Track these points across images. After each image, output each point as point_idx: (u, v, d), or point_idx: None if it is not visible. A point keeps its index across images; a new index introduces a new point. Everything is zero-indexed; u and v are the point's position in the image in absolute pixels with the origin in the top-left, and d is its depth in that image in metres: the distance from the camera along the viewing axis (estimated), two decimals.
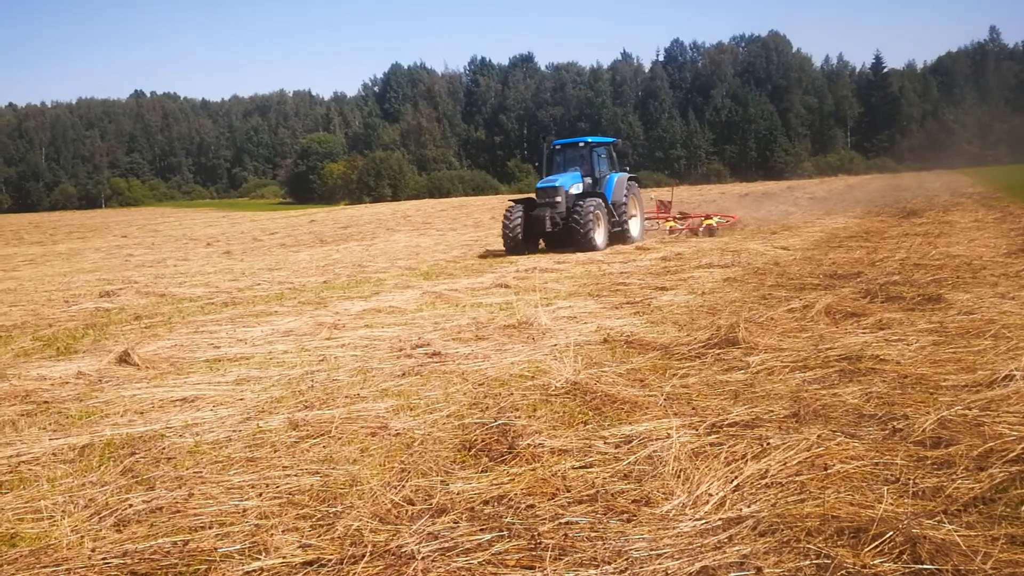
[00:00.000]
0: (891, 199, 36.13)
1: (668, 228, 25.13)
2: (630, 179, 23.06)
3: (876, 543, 3.68)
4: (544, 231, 20.73)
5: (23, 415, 6.89)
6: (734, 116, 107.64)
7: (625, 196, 21.97)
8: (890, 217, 25.30)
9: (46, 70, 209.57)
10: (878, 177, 73.55)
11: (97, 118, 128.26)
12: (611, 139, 23.96)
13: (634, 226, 22.90)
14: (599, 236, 20.57)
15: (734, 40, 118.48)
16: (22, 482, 5.25)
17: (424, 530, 4.12)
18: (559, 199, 20.80)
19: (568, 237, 20.47)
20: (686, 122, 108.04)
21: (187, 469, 5.27)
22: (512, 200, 22.48)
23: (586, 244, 20.01)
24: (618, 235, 21.80)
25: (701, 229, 23.82)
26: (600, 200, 20.77)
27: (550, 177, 21.66)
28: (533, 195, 21.85)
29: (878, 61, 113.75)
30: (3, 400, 7.37)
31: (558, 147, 22.96)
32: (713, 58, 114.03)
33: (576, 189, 21.50)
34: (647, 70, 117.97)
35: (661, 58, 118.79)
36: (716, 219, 24.87)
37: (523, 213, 21.11)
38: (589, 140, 22.70)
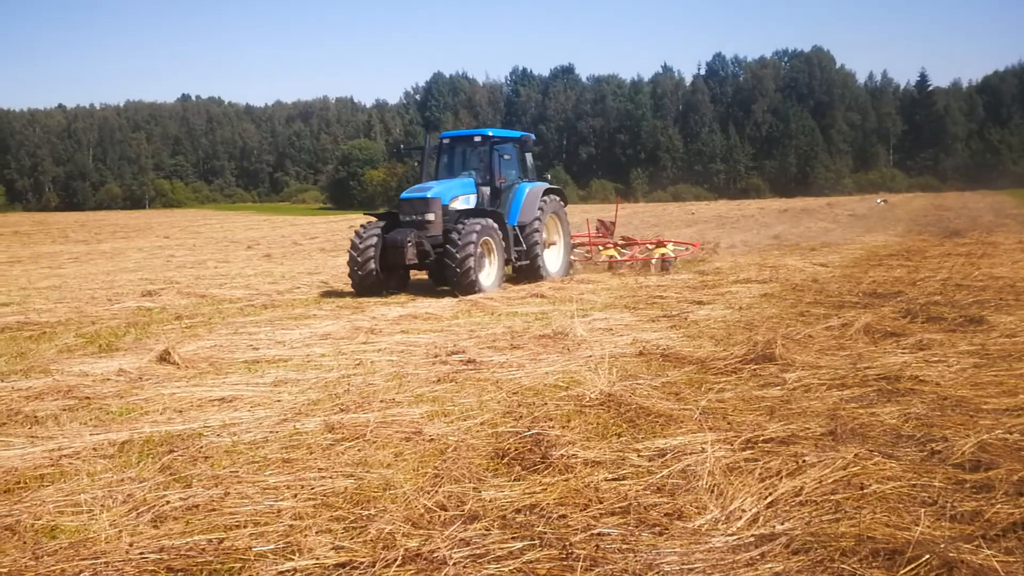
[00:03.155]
0: (933, 218, 35.66)
1: (605, 258, 18.95)
2: (548, 192, 16.97)
3: (912, 566, 3.64)
4: (403, 263, 14.66)
5: (65, 410, 7.02)
6: (775, 131, 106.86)
7: (539, 215, 16.24)
8: (932, 236, 24.95)
9: (95, 73, 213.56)
10: (920, 196, 72.62)
11: (144, 120, 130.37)
12: (520, 133, 17.43)
13: (552, 257, 17.26)
14: (488, 273, 14.96)
15: (777, 55, 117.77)
16: (63, 475, 5.35)
17: (456, 536, 4.14)
18: (431, 217, 14.86)
19: (442, 273, 14.84)
20: (726, 136, 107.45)
21: (224, 468, 5.34)
22: (371, 215, 16.06)
23: (463, 284, 14.18)
24: (527, 270, 16.30)
25: (653, 262, 18.08)
26: (492, 220, 15.02)
27: (422, 185, 15.73)
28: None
29: (923, 79, 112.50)
30: (46, 394, 7.51)
31: (447, 142, 17.05)
32: (755, 73, 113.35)
33: (462, 202, 15.63)
34: (688, 83, 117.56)
35: (703, 72, 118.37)
36: (671, 247, 19.21)
37: (381, 236, 14.85)
38: (489, 133, 16.29)
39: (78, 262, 25.46)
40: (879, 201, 52.99)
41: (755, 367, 7.71)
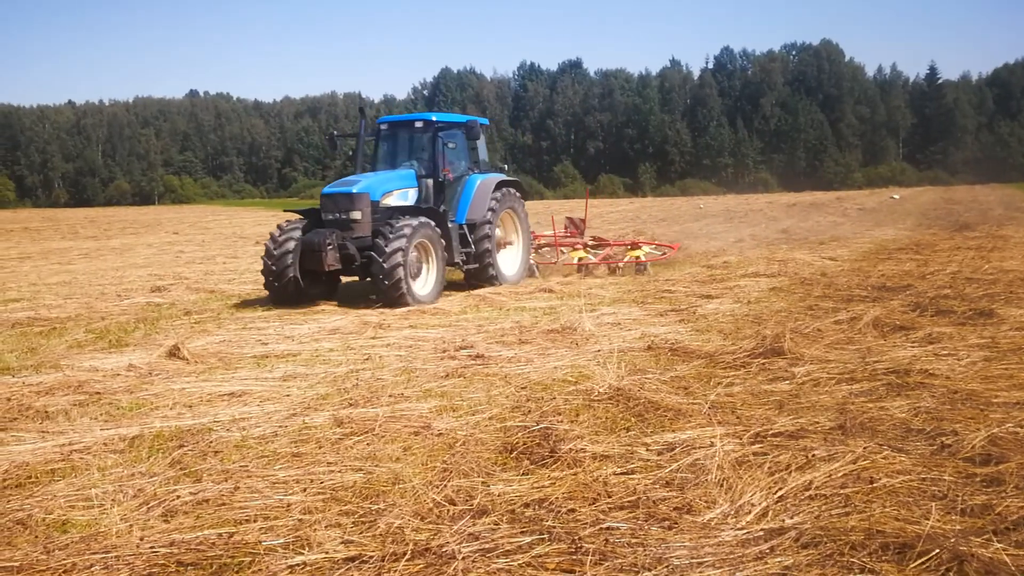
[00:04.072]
0: (943, 212, 35.52)
1: (575, 260, 16.94)
2: (502, 185, 15.14)
3: (922, 560, 3.64)
4: (322, 269, 12.62)
5: (76, 405, 7.05)
6: (783, 125, 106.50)
7: (491, 212, 14.48)
8: (942, 230, 24.86)
9: (105, 69, 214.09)
10: (930, 189, 72.35)
11: (152, 116, 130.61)
12: (466, 118, 15.13)
13: (508, 260, 15.51)
14: (424, 281, 13.20)
15: (785, 48, 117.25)
16: (74, 470, 5.37)
17: (465, 530, 4.14)
18: (357, 215, 12.95)
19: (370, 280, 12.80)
20: (734, 130, 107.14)
21: (234, 463, 5.36)
22: (294, 213, 14.06)
23: (391, 295, 12.36)
24: (478, 274, 14.52)
25: (621, 265, 16.53)
26: (428, 219, 13.18)
27: (348, 178, 13.85)
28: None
29: (932, 72, 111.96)
30: (57, 390, 7.54)
31: (385, 128, 15.01)
32: (763, 66, 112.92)
33: (397, 198, 13.78)
34: (696, 77, 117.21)
35: (710, 66, 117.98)
36: (647, 249, 17.41)
37: (302, 237, 12.97)
38: (433, 118, 14.37)
39: (88, 258, 25.54)
40: (894, 196, 52.81)
41: (764, 361, 7.69)
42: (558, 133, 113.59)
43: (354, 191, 13.06)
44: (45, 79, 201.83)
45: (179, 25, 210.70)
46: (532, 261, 16.53)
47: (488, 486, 4.80)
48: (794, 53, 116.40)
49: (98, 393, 7.45)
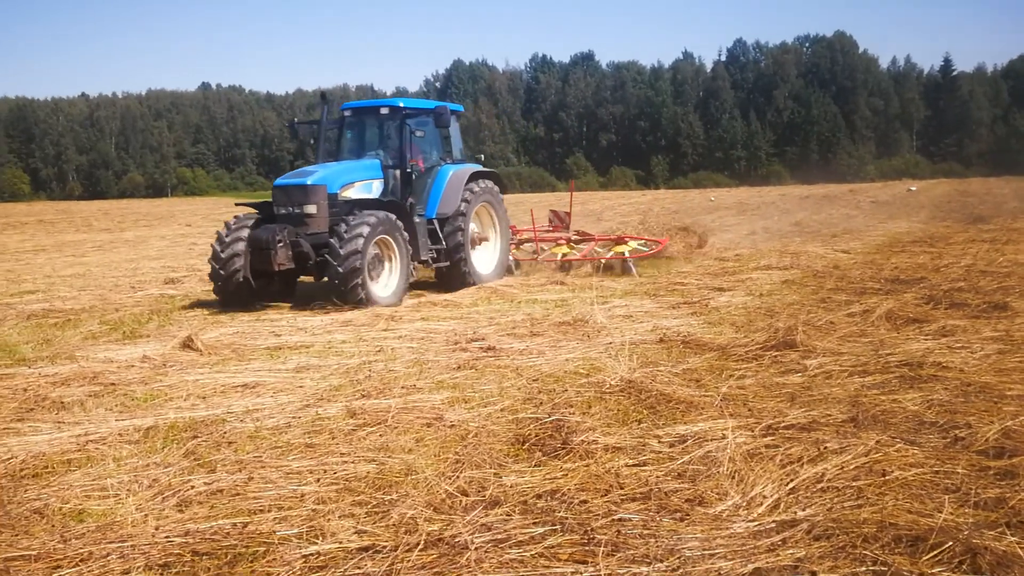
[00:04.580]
0: (957, 204, 35.31)
1: (559, 256, 15.87)
2: (476, 176, 14.20)
3: (935, 552, 3.63)
4: (271, 267, 11.63)
5: (91, 396, 7.10)
6: (796, 117, 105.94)
7: (464, 205, 13.56)
8: (956, 223, 24.71)
9: (118, 62, 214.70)
10: (944, 182, 71.94)
11: (165, 109, 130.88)
12: (435, 104, 14.11)
13: (484, 257, 14.56)
14: (386, 282, 12.30)
15: (798, 40, 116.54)
16: (89, 460, 5.42)
17: (478, 521, 4.16)
18: (312, 209, 12.12)
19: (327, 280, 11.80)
20: (747, 123, 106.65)
21: (247, 453, 5.40)
22: (246, 206, 13.11)
23: (349, 295, 11.47)
24: (450, 273, 13.66)
25: (603, 261, 15.34)
26: (391, 213, 12.25)
27: (303, 169, 13.09)
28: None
29: (947, 63, 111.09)
30: (72, 381, 7.60)
31: (349, 114, 14.13)
32: (776, 58, 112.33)
33: (359, 190, 12.88)
34: (708, 70, 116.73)
35: (723, 58, 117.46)
36: (633, 245, 16.02)
37: (251, 233, 11.99)
38: (400, 104, 13.46)
39: (101, 250, 25.68)
40: (911, 188, 52.50)
41: (776, 354, 7.68)
42: (570, 125, 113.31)
43: (308, 183, 12.20)
44: (59, 72, 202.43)
45: (191, 18, 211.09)
46: (511, 258, 15.58)
47: (500, 477, 4.81)
48: (807, 45, 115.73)
49: (113, 384, 7.50)
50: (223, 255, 11.89)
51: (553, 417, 5.81)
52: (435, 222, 13.49)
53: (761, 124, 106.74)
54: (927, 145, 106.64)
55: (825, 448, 5.02)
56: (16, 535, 4.21)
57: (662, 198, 54.81)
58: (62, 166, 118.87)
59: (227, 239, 11.98)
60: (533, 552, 3.83)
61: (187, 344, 8.96)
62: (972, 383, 6.43)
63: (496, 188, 14.74)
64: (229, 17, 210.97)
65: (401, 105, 13.46)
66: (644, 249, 16.11)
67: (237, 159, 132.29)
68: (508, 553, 3.82)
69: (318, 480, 4.85)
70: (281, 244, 11.63)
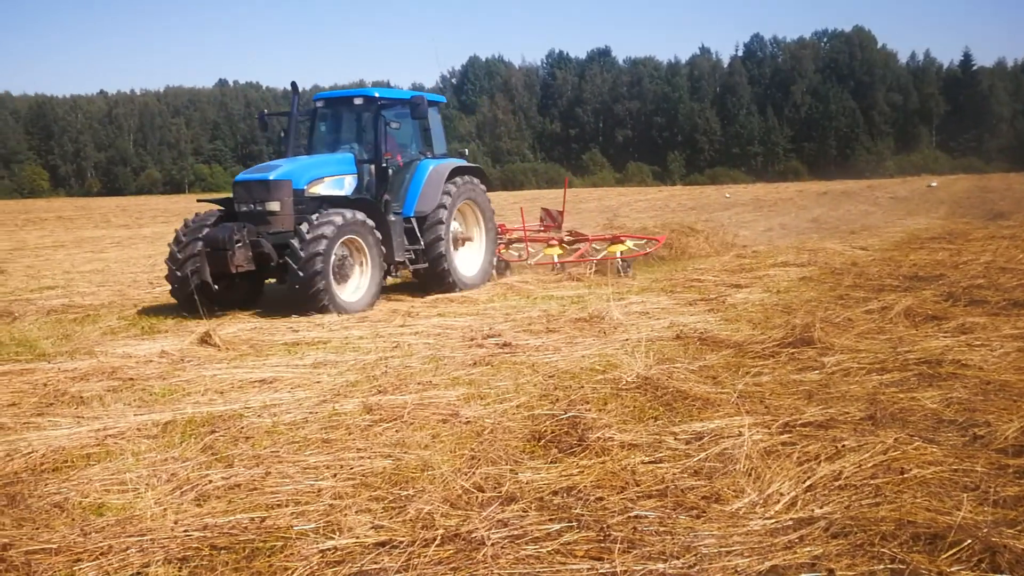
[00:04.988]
0: (977, 200, 35.03)
1: (554, 257, 15.14)
2: (460, 172, 13.40)
3: (953, 550, 3.61)
4: (227, 269, 10.88)
5: (110, 390, 7.15)
6: (814, 113, 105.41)
7: (444, 203, 12.77)
8: (976, 219, 24.51)
9: (136, 59, 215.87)
10: (963, 177, 71.39)
11: (183, 106, 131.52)
12: (411, 93, 13.01)
13: (468, 260, 13.76)
14: (355, 285, 11.54)
15: (816, 35, 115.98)
16: (108, 455, 5.46)
17: (494, 517, 4.17)
18: (275, 206, 11.36)
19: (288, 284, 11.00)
20: (764, 118, 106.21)
21: (265, 448, 5.42)
22: (210, 203, 12.41)
23: (312, 300, 10.70)
24: (430, 276, 12.87)
25: (611, 264, 14.42)
26: (360, 213, 11.43)
27: (268, 163, 12.37)
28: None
29: (967, 58, 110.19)
30: (91, 375, 7.65)
31: (322, 105, 13.35)
32: (794, 53, 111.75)
33: (328, 186, 12.07)
34: (725, 65, 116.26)
35: (740, 53, 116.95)
36: (630, 244, 15.29)
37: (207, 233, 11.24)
38: (375, 94, 12.72)
39: (120, 246, 25.84)
40: (932, 184, 52.19)
41: (793, 351, 7.65)
42: (587, 121, 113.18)
43: (271, 178, 11.41)
44: (78, 70, 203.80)
45: (209, 15, 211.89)
46: (500, 260, 14.94)
47: (516, 474, 4.82)
48: (825, 40, 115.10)
49: (131, 379, 7.55)
50: (179, 256, 11.18)
51: (569, 414, 5.81)
52: (413, 221, 12.73)
53: (778, 120, 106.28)
54: (946, 140, 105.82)
55: (843, 446, 5.00)
56: (37, 528, 4.25)
57: (679, 194, 54.71)
58: (81, 163, 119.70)
59: (184, 239, 11.27)
60: (549, 548, 3.83)
61: (205, 339, 9.02)
62: (991, 381, 6.38)
63: (481, 185, 13.94)
64: (246, 14, 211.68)
65: (376, 95, 12.68)
66: (637, 249, 15.34)
67: (254, 155, 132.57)
68: (524, 549, 3.83)
69: (335, 475, 4.87)
70: (240, 244, 10.88)
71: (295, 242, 10.71)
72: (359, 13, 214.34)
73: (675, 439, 5.34)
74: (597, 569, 3.64)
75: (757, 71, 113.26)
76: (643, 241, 15.95)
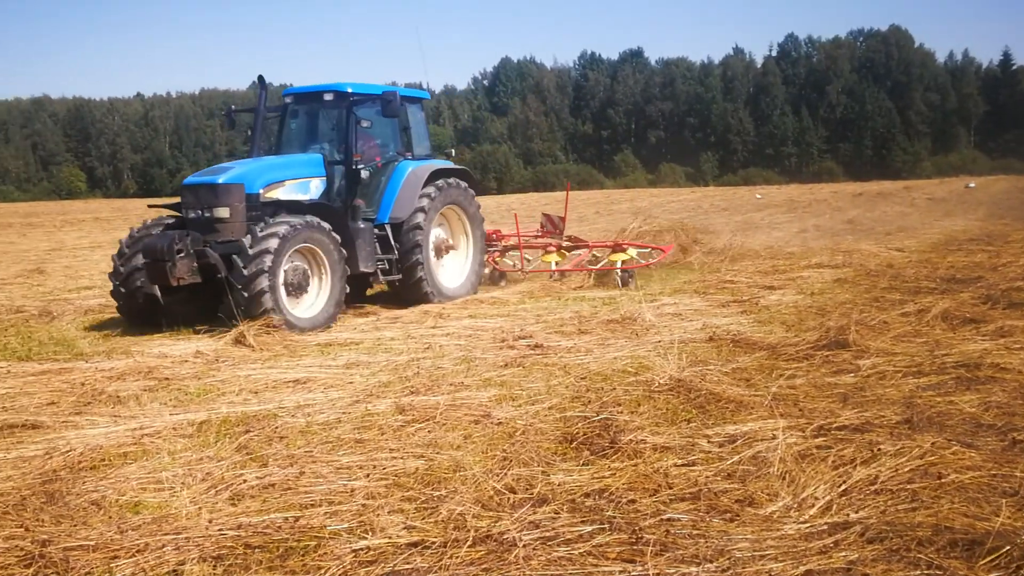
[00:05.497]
0: (1016, 202, 34.47)
1: (552, 264, 14.27)
2: (442, 174, 12.50)
3: (991, 557, 3.56)
4: (167, 282, 9.79)
5: (146, 390, 7.25)
6: (850, 113, 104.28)
7: (422, 208, 11.84)
8: (1015, 220, 24.12)
9: (172, 62, 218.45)
10: (1003, 178, 70.28)
11: (217, 108, 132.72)
12: (383, 88, 11.93)
13: (452, 269, 12.90)
14: (312, 300, 10.49)
15: (852, 35, 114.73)
16: (145, 454, 5.53)
17: (526, 518, 4.17)
18: (224, 212, 10.32)
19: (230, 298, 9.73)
20: (799, 119, 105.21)
21: (298, 448, 5.46)
22: (163, 207, 11.49)
23: (255, 316, 9.54)
24: (405, 287, 11.95)
25: (593, 271, 13.75)
26: (316, 219, 10.34)
27: (219, 165, 11.36)
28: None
29: (1006, 57, 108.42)
30: (128, 375, 7.76)
31: (291, 101, 12.44)
32: (829, 53, 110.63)
33: (289, 190, 11.07)
34: (759, 65, 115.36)
35: (774, 53, 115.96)
36: (632, 253, 14.03)
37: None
38: (348, 89, 11.63)
39: None
40: (970, 185, 51.47)
41: (828, 353, 7.57)
42: (619, 122, 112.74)
43: (220, 181, 10.39)
44: (115, 72, 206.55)
45: (243, 16, 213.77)
46: (492, 269, 14.27)
47: (548, 475, 4.81)
48: (861, 39, 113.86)
49: (167, 379, 7.65)
50: (122, 269, 10.31)
51: (601, 416, 5.80)
52: (387, 228, 11.80)
53: (813, 120, 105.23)
54: (985, 141, 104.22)
55: (879, 450, 4.94)
56: (75, 526, 4.31)
57: (712, 195, 54.35)
58: (117, 164, 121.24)
59: (128, 250, 10.37)
60: (581, 550, 3.83)
61: (239, 340, 9.11)
62: None
63: (467, 188, 12.91)
64: (278, 17, 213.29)
65: (349, 91, 11.60)
66: (640, 260, 14.08)
67: None
68: (556, 551, 3.82)
69: (368, 475, 4.90)
70: (182, 254, 9.79)
71: (238, 259, 9.66)
72: (390, 14, 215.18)
73: (708, 442, 5.31)
74: (629, 572, 3.63)
75: (792, 71, 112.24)
76: (648, 250, 14.69)
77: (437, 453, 5.26)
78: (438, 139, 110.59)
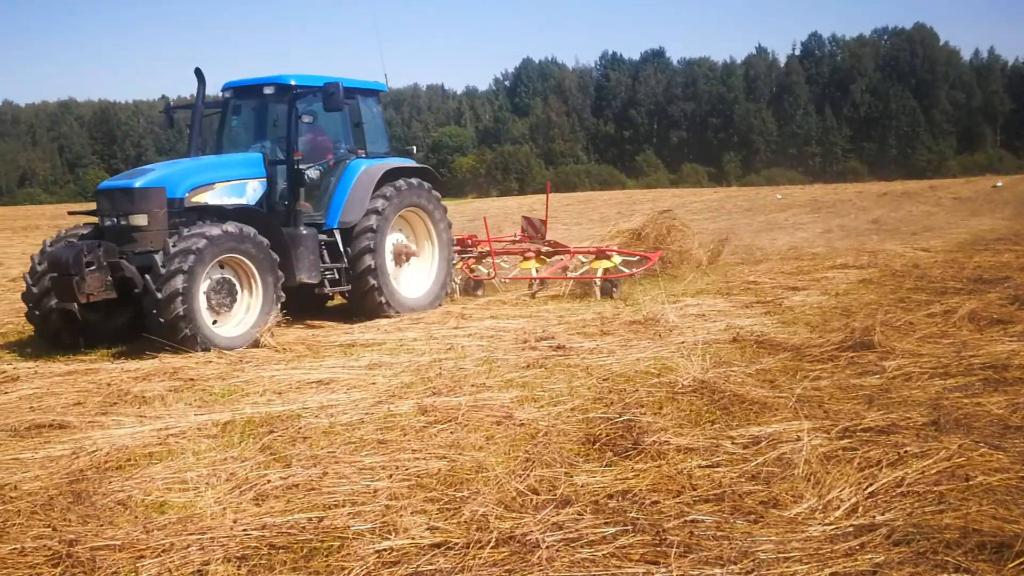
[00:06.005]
0: None
1: (532, 272, 13.23)
2: (399, 174, 11.48)
3: (1020, 560, 3.51)
4: (72, 299, 8.77)
5: (171, 391, 7.31)
6: (874, 112, 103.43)
7: (376, 210, 10.88)
8: None
9: (195, 63, 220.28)
10: None
11: None
12: (324, 79, 10.64)
13: (414, 279, 11.86)
14: (239, 317, 9.59)
15: (876, 33, 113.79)
16: (170, 454, 5.58)
17: (549, 520, 4.16)
18: (142, 220, 9.35)
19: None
20: (822, 118, 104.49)
21: (322, 448, 5.48)
22: (83, 213, 10.65)
23: (171, 334, 8.74)
24: (357, 298, 11.05)
25: (570, 283, 12.92)
26: (243, 227, 9.44)
27: (138, 168, 10.36)
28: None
29: None
30: (153, 376, 7.83)
31: (230, 95, 11.43)
32: (853, 52, 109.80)
33: (220, 193, 10.11)
34: (782, 64, 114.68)
35: (798, 52, 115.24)
36: (617, 261, 12.82)
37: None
38: (292, 82, 10.70)
39: None
40: (998, 184, 50.94)
41: (853, 354, 7.51)
42: (641, 123, 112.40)
43: (136, 186, 9.40)
44: (139, 75, 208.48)
45: (265, 19, 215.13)
46: (466, 278, 13.48)
47: (571, 476, 4.81)
48: (885, 38, 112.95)
49: (192, 379, 7.71)
50: (35, 290, 9.29)
51: (624, 417, 5.78)
52: (337, 233, 10.85)
53: (837, 119, 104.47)
54: (1012, 139, 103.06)
55: (905, 452, 4.89)
56: (101, 525, 4.35)
57: (734, 195, 54.07)
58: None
59: (40, 268, 9.28)
60: (604, 552, 3.81)
61: (263, 341, 9.15)
62: None
63: (430, 189, 11.83)
64: (299, 19, 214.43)
65: (292, 83, 10.67)
66: (624, 269, 12.95)
67: None
68: (579, 552, 3.81)
69: (391, 476, 4.91)
70: (92, 267, 8.77)
71: (149, 278, 8.75)
72: (413, 16, 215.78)
73: (732, 443, 5.28)
74: (653, 573, 3.62)
75: (815, 70, 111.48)
76: (634, 258, 13.54)
77: (459, 454, 5.27)
78: (460, 139, 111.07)
